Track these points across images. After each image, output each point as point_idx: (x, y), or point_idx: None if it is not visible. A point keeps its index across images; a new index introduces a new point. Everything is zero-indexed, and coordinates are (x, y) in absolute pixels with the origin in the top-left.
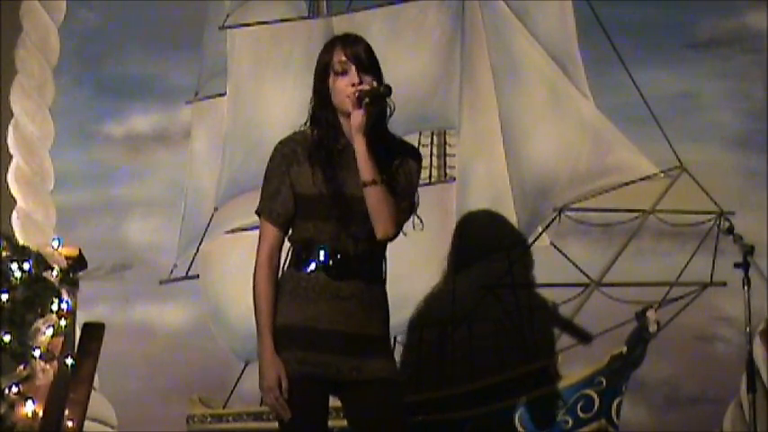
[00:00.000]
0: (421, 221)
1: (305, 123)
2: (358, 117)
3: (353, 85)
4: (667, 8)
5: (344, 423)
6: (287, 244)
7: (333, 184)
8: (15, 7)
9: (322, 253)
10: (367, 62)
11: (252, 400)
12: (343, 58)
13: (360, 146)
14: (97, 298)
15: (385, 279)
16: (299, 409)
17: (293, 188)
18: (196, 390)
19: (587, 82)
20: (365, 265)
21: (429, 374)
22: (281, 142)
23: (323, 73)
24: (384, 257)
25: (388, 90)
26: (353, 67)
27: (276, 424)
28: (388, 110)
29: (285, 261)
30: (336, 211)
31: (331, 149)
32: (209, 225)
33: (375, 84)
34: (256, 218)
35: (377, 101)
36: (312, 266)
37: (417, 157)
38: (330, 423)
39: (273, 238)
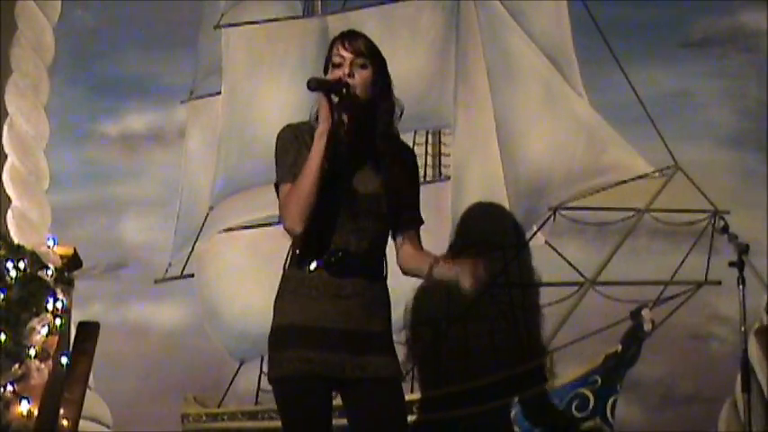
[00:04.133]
0: None
1: (314, 117)
2: (324, 121)
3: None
4: (662, 7)
5: (343, 421)
6: (288, 242)
7: (338, 178)
8: (10, 6)
9: (323, 251)
10: (367, 55)
11: (247, 400)
12: (342, 52)
13: (316, 148)
14: (92, 297)
15: (386, 277)
16: (303, 407)
17: None
18: (191, 389)
19: (582, 81)
20: (366, 262)
21: (424, 373)
22: (288, 125)
23: (325, 68)
24: (384, 255)
25: (337, 85)
26: (348, 60)
27: (272, 422)
28: (396, 111)
29: (287, 261)
30: (342, 204)
31: (335, 143)
32: (204, 224)
33: (365, 78)
34: (251, 216)
35: (332, 94)
36: (313, 265)
37: (412, 157)
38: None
39: None
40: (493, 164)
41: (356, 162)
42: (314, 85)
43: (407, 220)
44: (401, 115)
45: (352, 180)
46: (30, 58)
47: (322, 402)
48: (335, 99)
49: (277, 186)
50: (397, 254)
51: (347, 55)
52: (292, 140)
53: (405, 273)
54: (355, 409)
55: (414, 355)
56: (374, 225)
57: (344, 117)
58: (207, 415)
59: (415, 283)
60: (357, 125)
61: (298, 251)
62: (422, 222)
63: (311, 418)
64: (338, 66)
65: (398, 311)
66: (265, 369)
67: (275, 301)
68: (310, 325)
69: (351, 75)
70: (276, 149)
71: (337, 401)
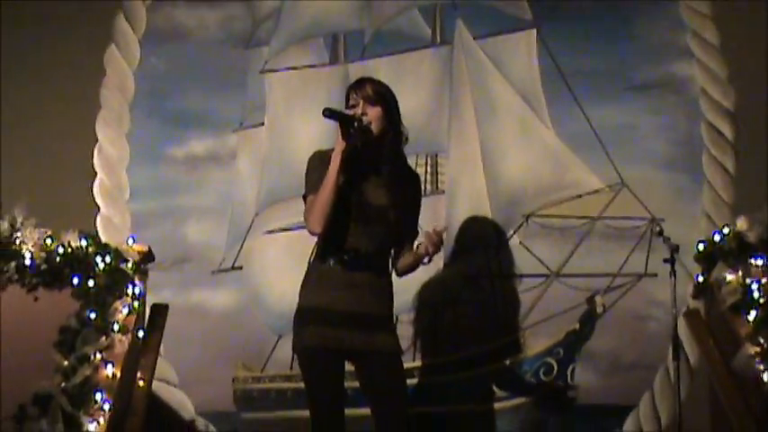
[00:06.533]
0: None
1: None
2: (338, 145)
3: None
4: (611, 59)
5: (356, 384)
6: (312, 240)
7: (355, 191)
8: (100, 56)
9: (340, 250)
10: (373, 96)
11: (284, 366)
12: (354, 95)
13: (332, 168)
14: (162, 284)
15: (390, 271)
16: (320, 372)
17: None
18: (240, 357)
19: (549, 116)
20: (374, 260)
21: (424, 345)
22: (317, 151)
23: (346, 107)
24: (390, 254)
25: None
26: (361, 101)
27: (303, 384)
28: (403, 138)
29: (311, 256)
30: (357, 213)
31: (357, 165)
32: (250, 227)
33: (375, 115)
34: (289, 221)
35: (345, 126)
36: (332, 261)
37: (418, 182)
38: (345, 384)
39: None
40: (478, 181)
41: (370, 179)
42: (327, 113)
43: (406, 234)
44: (407, 140)
45: (366, 194)
46: (115, 96)
47: (335, 369)
48: (352, 131)
49: (305, 198)
50: (395, 258)
51: (359, 99)
52: (318, 163)
53: (398, 274)
54: (364, 376)
55: (416, 331)
56: (382, 230)
57: (359, 144)
58: (252, 378)
59: (418, 275)
60: (370, 150)
61: (320, 249)
62: (417, 235)
63: (326, 380)
64: (353, 107)
65: (405, 297)
66: None
67: (300, 288)
68: (327, 308)
69: (364, 113)
70: (306, 170)
71: (351, 368)
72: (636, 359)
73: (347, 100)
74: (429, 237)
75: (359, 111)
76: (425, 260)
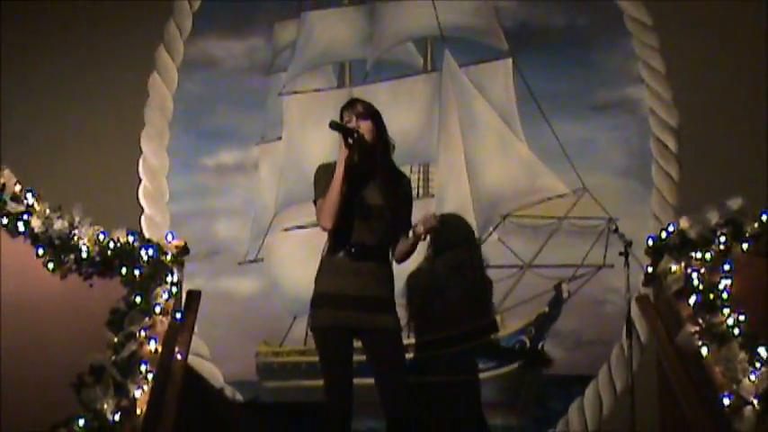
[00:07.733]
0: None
1: None
2: (341, 153)
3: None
4: (575, 83)
5: (363, 358)
6: (325, 238)
7: (357, 194)
8: (144, 81)
9: (347, 244)
10: (363, 112)
11: (299, 342)
12: (348, 113)
13: (338, 173)
14: (196, 273)
15: (391, 260)
16: (332, 347)
17: None
18: (262, 334)
19: (522, 131)
20: (377, 251)
21: (417, 325)
22: (322, 164)
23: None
24: (391, 246)
25: (340, 127)
26: (354, 117)
27: (315, 358)
28: (391, 147)
29: (324, 250)
30: (359, 212)
31: (356, 172)
32: (270, 225)
33: (367, 128)
34: (304, 220)
35: (346, 137)
36: (341, 253)
37: (408, 185)
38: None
39: None
40: (463, 186)
41: (368, 183)
42: (333, 125)
43: (401, 229)
44: (394, 149)
45: (366, 195)
46: (156, 115)
47: (345, 344)
48: (350, 141)
49: (315, 202)
50: (392, 250)
51: (352, 115)
52: (323, 173)
53: (397, 262)
54: (370, 351)
55: (410, 314)
56: (382, 226)
57: (357, 151)
58: (272, 352)
59: (412, 266)
60: (366, 158)
61: (331, 244)
62: (410, 229)
63: (338, 355)
64: (348, 123)
65: (400, 284)
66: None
67: (315, 277)
68: (337, 293)
69: (358, 127)
70: (314, 179)
71: (359, 344)
72: (595, 337)
73: (341, 118)
74: (425, 219)
75: (353, 125)
76: (423, 237)
